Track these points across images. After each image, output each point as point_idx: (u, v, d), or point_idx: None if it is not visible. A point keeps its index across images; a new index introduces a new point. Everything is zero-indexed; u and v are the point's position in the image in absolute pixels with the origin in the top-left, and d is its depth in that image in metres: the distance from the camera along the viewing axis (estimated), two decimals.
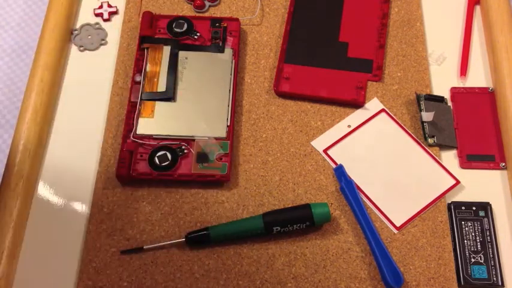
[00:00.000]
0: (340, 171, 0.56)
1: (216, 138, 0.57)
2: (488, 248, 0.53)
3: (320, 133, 0.59)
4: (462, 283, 0.52)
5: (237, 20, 0.64)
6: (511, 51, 0.60)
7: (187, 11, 0.67)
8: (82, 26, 0.65)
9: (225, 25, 0.63)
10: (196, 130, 0.57)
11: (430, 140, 0.58)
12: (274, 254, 0.53)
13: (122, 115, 0.60)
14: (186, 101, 0.59)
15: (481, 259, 0.52)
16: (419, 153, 0.58)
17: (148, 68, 0.60)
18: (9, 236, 0.52)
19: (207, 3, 0.67)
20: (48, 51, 0.61)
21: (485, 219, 0.54)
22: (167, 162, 0.55)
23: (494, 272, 0.52)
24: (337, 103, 0.60)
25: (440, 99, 0.60)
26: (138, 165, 0.55)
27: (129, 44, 0.64)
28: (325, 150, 0.58)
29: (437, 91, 0.62)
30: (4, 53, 0.72)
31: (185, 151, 0.56)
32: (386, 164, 0.57)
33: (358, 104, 0.60)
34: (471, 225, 0.54)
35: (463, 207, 0.55)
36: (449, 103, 0.61)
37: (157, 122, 0.58)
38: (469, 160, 0.58)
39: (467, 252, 0.53)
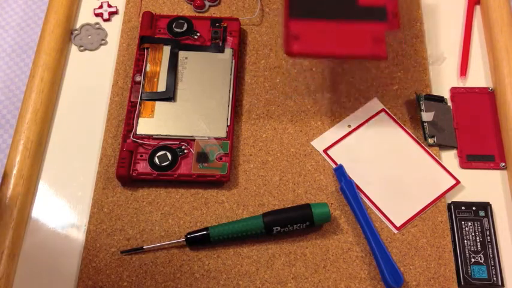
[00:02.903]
0: (340, 171, 0.56)
1: (216, 138, 0.57)
2: (488, 248, 0.53)
3: (320, 133, 0.59)
4: (462, 283, 0.52)
5: (237, 20, 0.64)
6: (511, 51, 0.60)
7: (187, 11, 0.67)
8: (82, 26, 0.65)
9: (225, 25, 0.63)
10: (196, 130, 0.57)
11: (430, 140, 0.58)
12: (274, 254, 0.53)
13: (122, 115, 0.60)
14: (186, 101, 0.59)
15: (481, 259, 0.52)
16: (419, 153, 0.58)
17: (148, 68, 0.60)
18: (9, 236, 0.52)
19: (207, 3, 0.67)
20: (48, 51, 0.61)
21: (485, 219, 0.54)
22: (167, 162, 0.55)
23: (494, 272, 0.52)
24: (357, 59, 0.55)
25: (440, 99, 0.60)
26: (138, 165, 0.55)
27: (129, 44, 0.64)
28: (325, 150, 0.58)
29: (437, 91, 0.62)
30: (4, 53, 0.72)
31: (185, 151, 0.56)
32: (386, 164, 0.57)
33: (380, 58, 0.55)
34: (471, 225, 0.54)
35: (463, 207, 0.55)
36: (449, 103, 0.61)
37: (157, 122, 0.58)
38: (469, 160, 0.58)
39: (467, 252, 0.53)
